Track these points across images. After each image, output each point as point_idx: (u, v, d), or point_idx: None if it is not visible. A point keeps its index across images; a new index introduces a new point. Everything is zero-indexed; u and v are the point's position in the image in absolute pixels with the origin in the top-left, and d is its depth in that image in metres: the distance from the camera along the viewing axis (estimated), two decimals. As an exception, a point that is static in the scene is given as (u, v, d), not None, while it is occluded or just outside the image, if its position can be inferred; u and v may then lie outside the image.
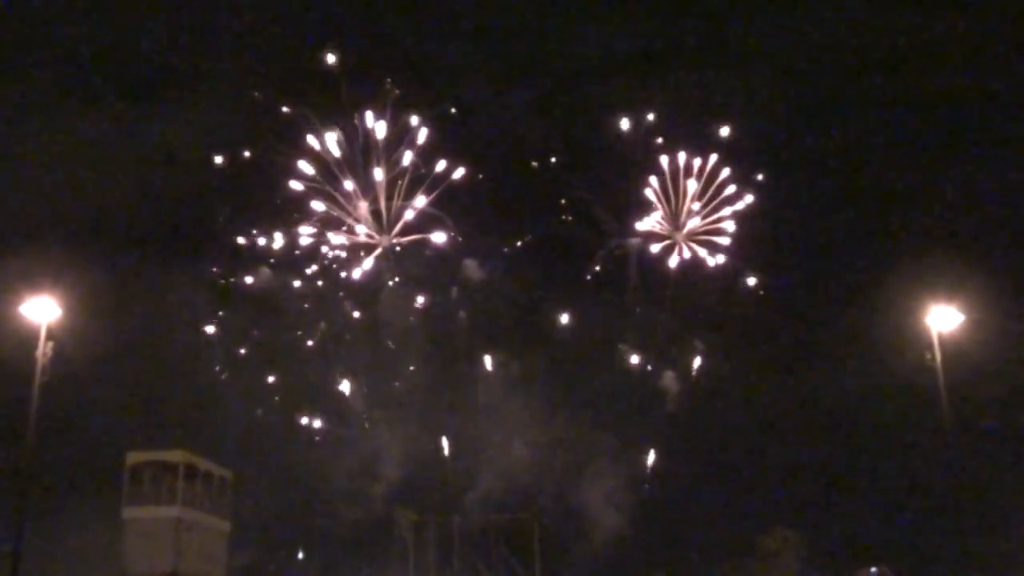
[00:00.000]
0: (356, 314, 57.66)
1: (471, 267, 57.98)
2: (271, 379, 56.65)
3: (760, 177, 55.91)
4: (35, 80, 57.60)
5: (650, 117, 56.84)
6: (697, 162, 56.93)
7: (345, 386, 57.84)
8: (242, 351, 56.85)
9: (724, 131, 55.79)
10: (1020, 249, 56.58)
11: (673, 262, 58.74)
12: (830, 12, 60.05)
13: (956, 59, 58.07)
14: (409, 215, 56.72)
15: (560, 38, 62.09)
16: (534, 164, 58.21)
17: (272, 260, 56.45)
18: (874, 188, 59.71)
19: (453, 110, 55.68)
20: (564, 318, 58.47)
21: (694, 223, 58.04)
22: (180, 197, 58.72)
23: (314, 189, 55.54)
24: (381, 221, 56.38)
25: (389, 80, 54.80)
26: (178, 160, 57.45)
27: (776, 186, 55.73)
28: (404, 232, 56.99)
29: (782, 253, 56.46)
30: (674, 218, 57.78)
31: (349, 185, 55.90)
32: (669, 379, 57.93)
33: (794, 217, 55.70)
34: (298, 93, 55.44)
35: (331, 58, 54.58)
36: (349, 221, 56.15)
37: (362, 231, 56.60)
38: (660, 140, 56.86)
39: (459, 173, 55.77)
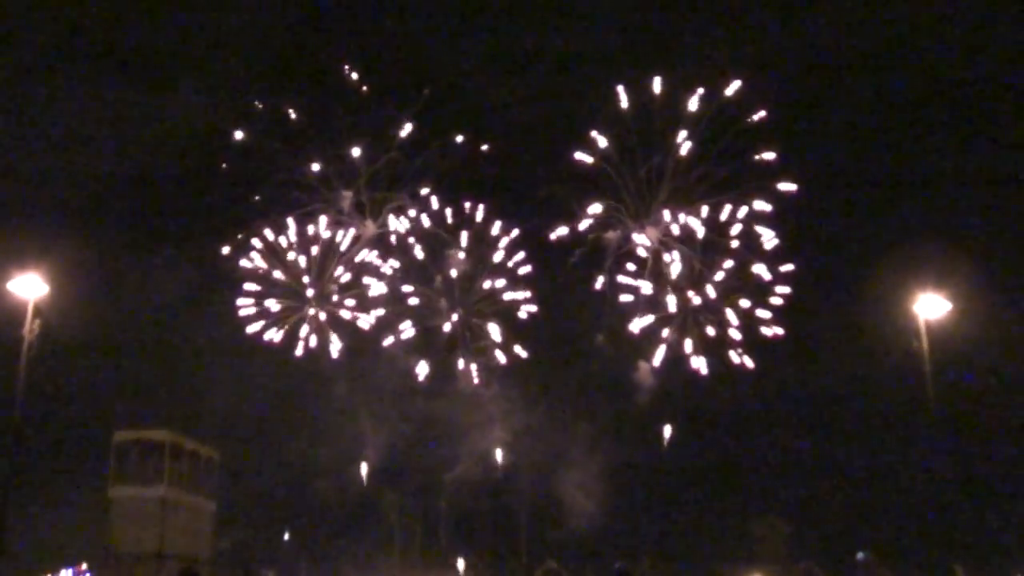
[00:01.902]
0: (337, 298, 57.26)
1: (455, 256, 57.67)
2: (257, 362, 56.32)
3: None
4: (22, 56, 57.19)
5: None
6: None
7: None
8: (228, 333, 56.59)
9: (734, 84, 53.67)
10: (1007, 238, 56.67)
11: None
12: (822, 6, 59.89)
13: (946, 48, 58.11)
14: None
15: (555, 23, 61.58)
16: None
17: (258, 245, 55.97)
18: (862, 176, 59.77)
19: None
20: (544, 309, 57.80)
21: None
22: (169, 176, 58.51)
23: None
24: (363, 209, 55.83)
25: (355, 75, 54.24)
26: (168, 139, 57.18)
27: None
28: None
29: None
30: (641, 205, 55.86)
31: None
32: (644, 371, 57.60)
33: (781, 204, 55.42)
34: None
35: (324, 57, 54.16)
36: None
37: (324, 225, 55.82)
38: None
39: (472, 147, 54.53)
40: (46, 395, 46.51)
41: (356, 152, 54.64)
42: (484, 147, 54.84)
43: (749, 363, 54.41)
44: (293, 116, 54.09)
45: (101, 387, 54.51)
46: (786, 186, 52.89)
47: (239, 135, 54.09)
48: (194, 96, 56.51)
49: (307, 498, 58.54)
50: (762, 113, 52.68)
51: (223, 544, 56.36)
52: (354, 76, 54.55)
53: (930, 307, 36.71)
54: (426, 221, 56.24)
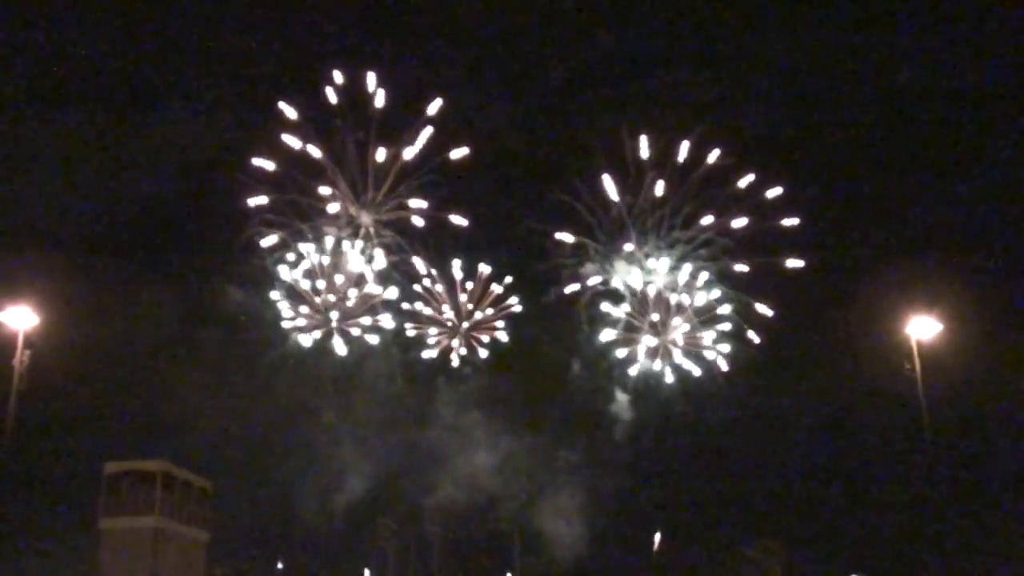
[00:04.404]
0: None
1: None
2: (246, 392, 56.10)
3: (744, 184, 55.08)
4: (9, 88, 57.28)
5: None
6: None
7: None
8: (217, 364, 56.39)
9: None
10: (999, 259, 56.94)
11: None
12: (807, 26, 60.28)
13: (937, 69, 58.50)
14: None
15: (547, 46, 61.88)
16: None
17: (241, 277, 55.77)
18: (853, 198, 60.00)
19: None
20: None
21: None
22: (160, 205, 58.50)
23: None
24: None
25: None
26: (158, 168, 57.19)
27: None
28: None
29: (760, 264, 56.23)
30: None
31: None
32: (621, 402, 57.69)
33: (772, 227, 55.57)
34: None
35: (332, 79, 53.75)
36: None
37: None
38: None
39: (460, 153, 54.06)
40: (36, 426, 46.29)
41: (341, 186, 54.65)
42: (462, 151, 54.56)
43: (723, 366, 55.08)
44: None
45: (92, 418, 54.26)
46: (790, 221, 53.53)
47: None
48: (186, 127, 56.52)
49: (299, 527, 58.42)
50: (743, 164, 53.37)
51: (216, 574, 55.99)
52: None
53: (922, 329, 36.91)
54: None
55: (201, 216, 57.15)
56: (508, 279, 57.21)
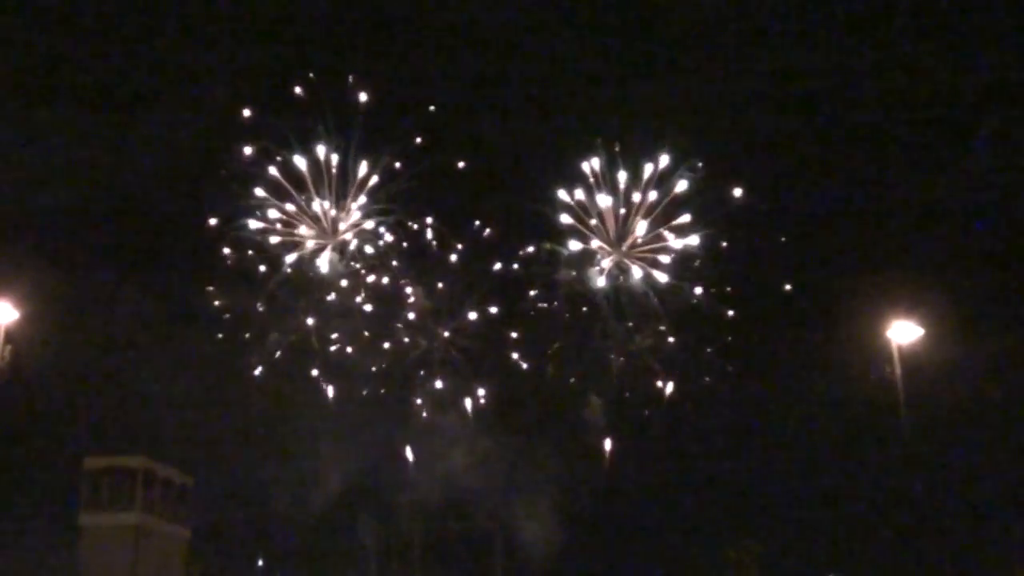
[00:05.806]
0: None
1: (417, 295, 57.78)
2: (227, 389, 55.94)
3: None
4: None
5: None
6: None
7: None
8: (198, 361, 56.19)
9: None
10: (979, 264, 57.23)
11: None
12: (785, 37, 60.55)
13: (914, 76, 58.78)
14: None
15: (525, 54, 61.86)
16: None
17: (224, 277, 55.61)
18: (835, 203, 60.23)
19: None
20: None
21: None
22: (142, 203, 58.32)
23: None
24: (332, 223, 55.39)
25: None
26: (139, 166, 56.98)
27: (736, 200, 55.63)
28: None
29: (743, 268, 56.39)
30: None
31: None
32: (595, 405, 57.73)
33: (754, 232, 55.77)
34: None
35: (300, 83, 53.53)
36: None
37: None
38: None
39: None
40: (16, 421, 46.12)
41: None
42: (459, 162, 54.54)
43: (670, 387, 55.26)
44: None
45: (72, 413, 54.03)
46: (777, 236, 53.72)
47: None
48: (169, 125, 56.34)
49: (279, 524, 58.31)
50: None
51: (196, 571, 55.88)
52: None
53: (903, 333, 37.15)
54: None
55: (183, 215, 56.98)
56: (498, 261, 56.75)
